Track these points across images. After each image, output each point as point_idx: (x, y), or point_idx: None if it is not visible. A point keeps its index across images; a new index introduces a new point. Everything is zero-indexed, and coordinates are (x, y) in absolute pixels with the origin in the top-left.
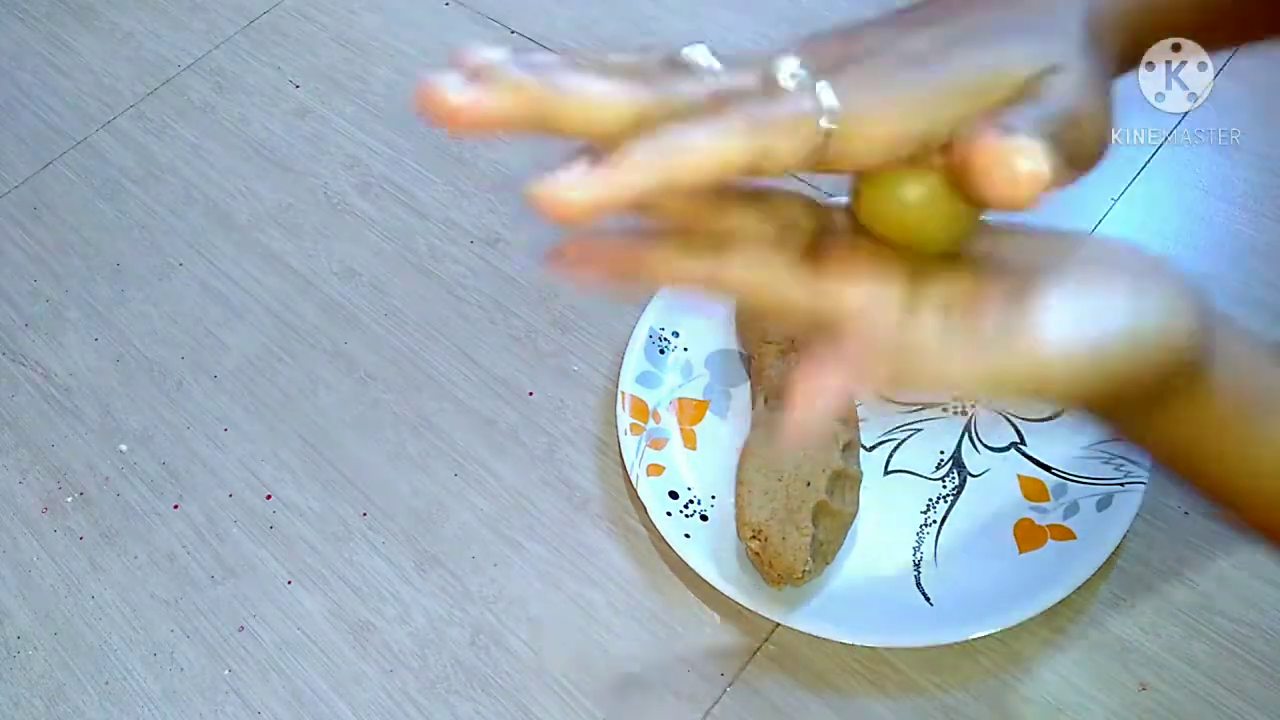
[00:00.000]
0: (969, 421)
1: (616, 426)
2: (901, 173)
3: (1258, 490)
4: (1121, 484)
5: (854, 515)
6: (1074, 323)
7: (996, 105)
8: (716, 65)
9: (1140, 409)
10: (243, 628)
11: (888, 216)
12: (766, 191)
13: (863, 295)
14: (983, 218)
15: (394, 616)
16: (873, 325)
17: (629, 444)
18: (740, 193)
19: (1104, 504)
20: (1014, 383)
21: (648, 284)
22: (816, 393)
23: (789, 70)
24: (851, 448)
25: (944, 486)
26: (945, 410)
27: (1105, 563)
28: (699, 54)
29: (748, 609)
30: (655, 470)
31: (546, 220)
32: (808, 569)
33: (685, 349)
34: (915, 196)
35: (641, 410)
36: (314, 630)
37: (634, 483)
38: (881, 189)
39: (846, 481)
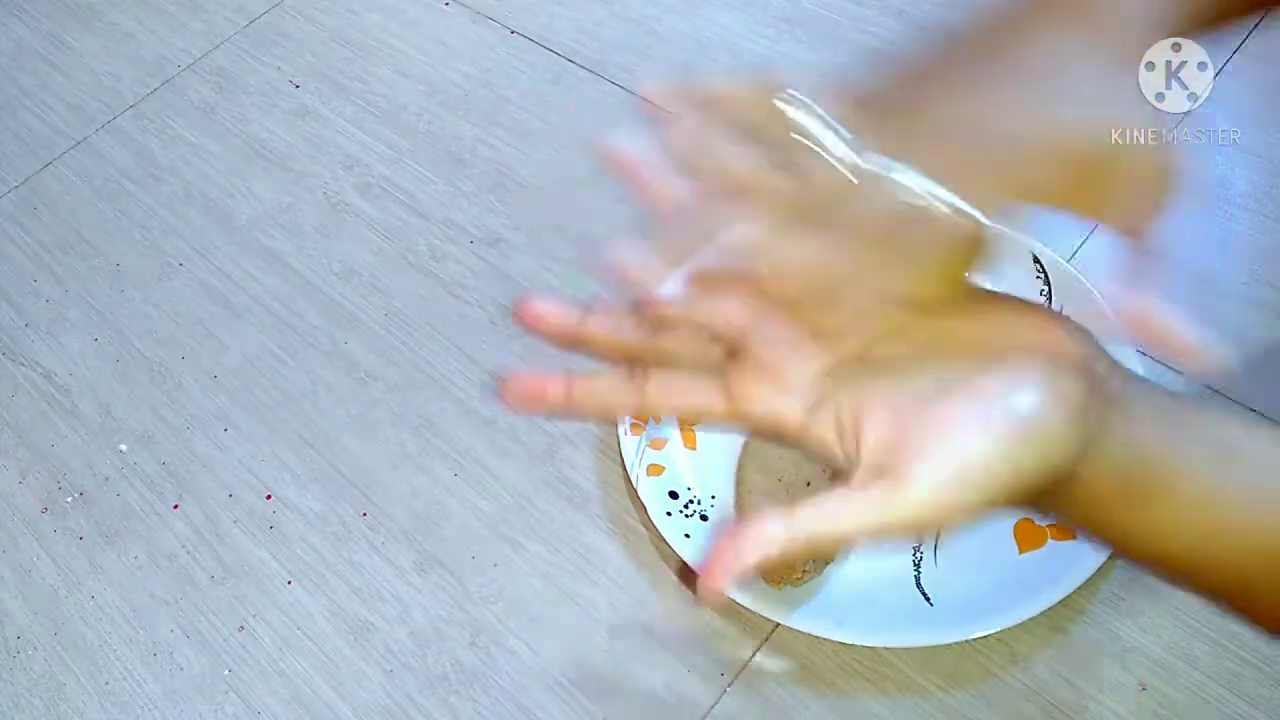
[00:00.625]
0: None
1: (616, 426)
2: None
3: (1154, 563)
4: None
5: None
6: (941, 479)
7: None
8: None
9: (1026, 505)
10: (243, 628)
11: None
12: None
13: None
14: None
15: (394, 616)
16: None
17: (629, 444)
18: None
19: None
20: (898, 530)
21: (584, 417)
22: (724, 567)
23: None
24: None
25: None
26: None
27: (1105, 563)
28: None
29: (748, 609)
30: (655, 470)
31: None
32: (808, 569)
33: None
34: None
35: None
36: (314, 630)
37: (634, 483)
38: None
39: None
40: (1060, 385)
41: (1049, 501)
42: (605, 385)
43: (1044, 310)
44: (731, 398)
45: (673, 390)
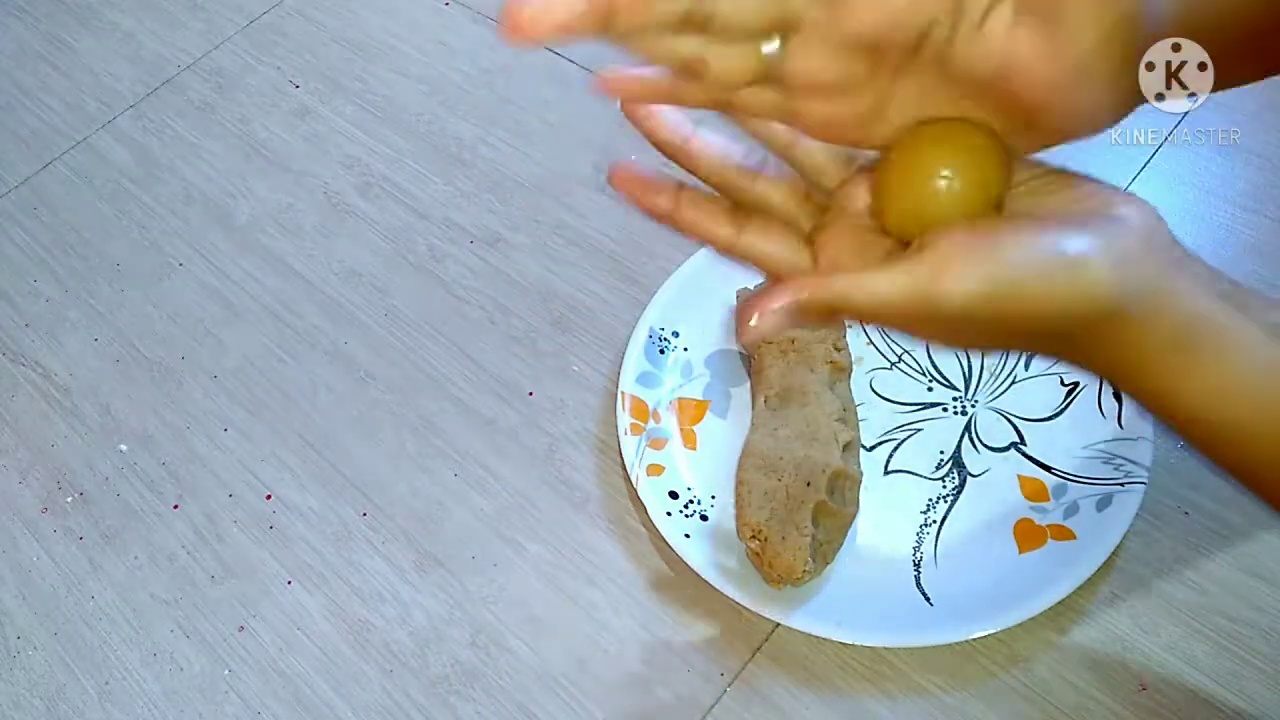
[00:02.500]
0: (969, 421)
1: (616, 426)
2: (914, 181)
3: (1192, 421)
4: (1121, 484)
5: (854, 515)
6: (985, 269)
7: None
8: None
9: (1065, 341)
10: (243, 628)
11: (906, 220)
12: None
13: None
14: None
15: (394, 616)
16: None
17: (629, 444)
18: (763, 173)
19: (1104, 504)
20: (920, 315)
21: (676, 222)
22: (766, 306)
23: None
24: (851, 448)
25: (944, 486)
26: (945, 410)
27: (1105, 563)
28: None
29: (748, 609)
30: (655, 470)
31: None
32: (808, 569)
33: (685, 349)
34: (932, 203)
35: (641, 410)
36: (314, 630)
37: (634, 483)
38: (899, 197)
39: (846, 481)
40: (1114, 237)
41: (1093, 339)
42: (708, 211)
43: (1121, 192)
44: (819, 262)
45: (770, 238)
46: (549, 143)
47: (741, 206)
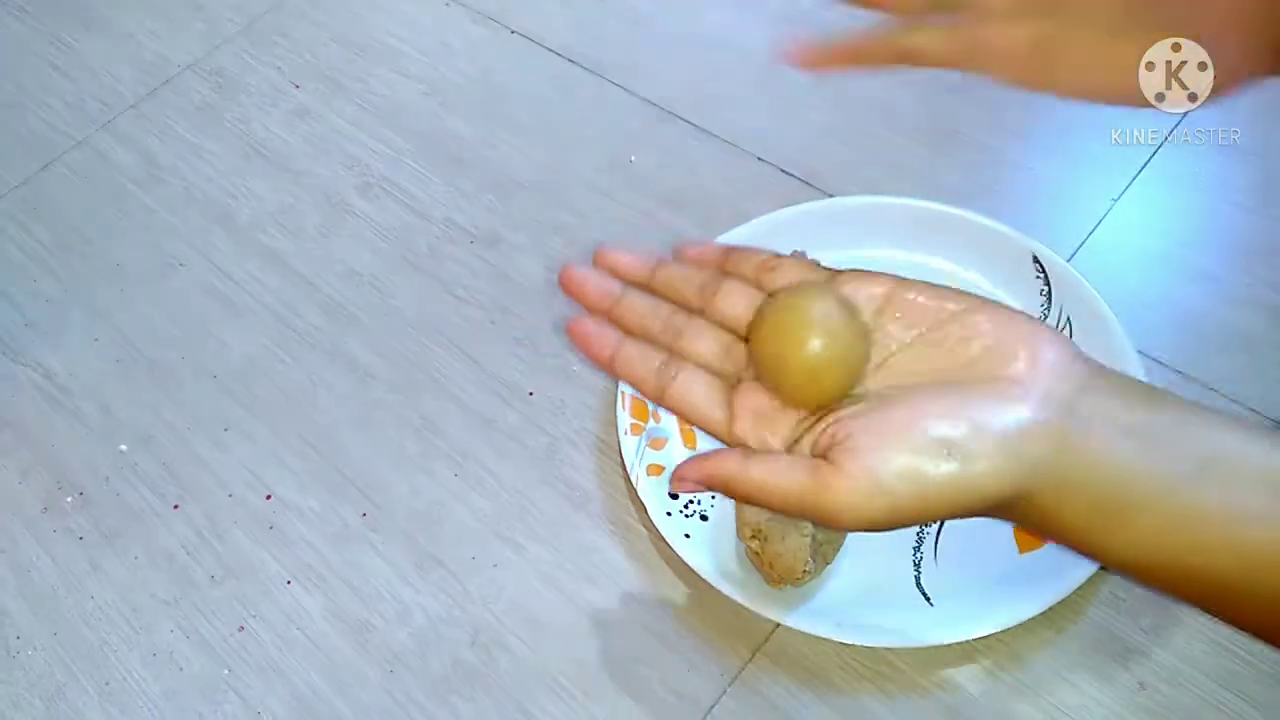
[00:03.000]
0: None
1: (616, 426)
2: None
3: (1131, 572)
4: None
5: None
6: (860, 486)
7: None
8: None
9: (977, 514)
10: (243, 628)
11: (782, 394)
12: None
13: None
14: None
15: (394, 616)
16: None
17: (629, 444)
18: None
19: None
20: (814, 517)
21: (613, 373)
22: (679, 478)
23: None
24: None
25: None
26: None
27: None
28: None
29: (748, 609)
30: (655, 470)
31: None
32: (808, 569)
33: None
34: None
35: (641, 410)
36: (314, 630)
37: (634, 483)
38: (770, 373)
39: None
40: (998, 418)
41: (1007, 515)
42: (640, 367)
43: (1024, 322)
44: (731, 415)
45: (694, 392)
46: (549, 143)
47: (674, 354)
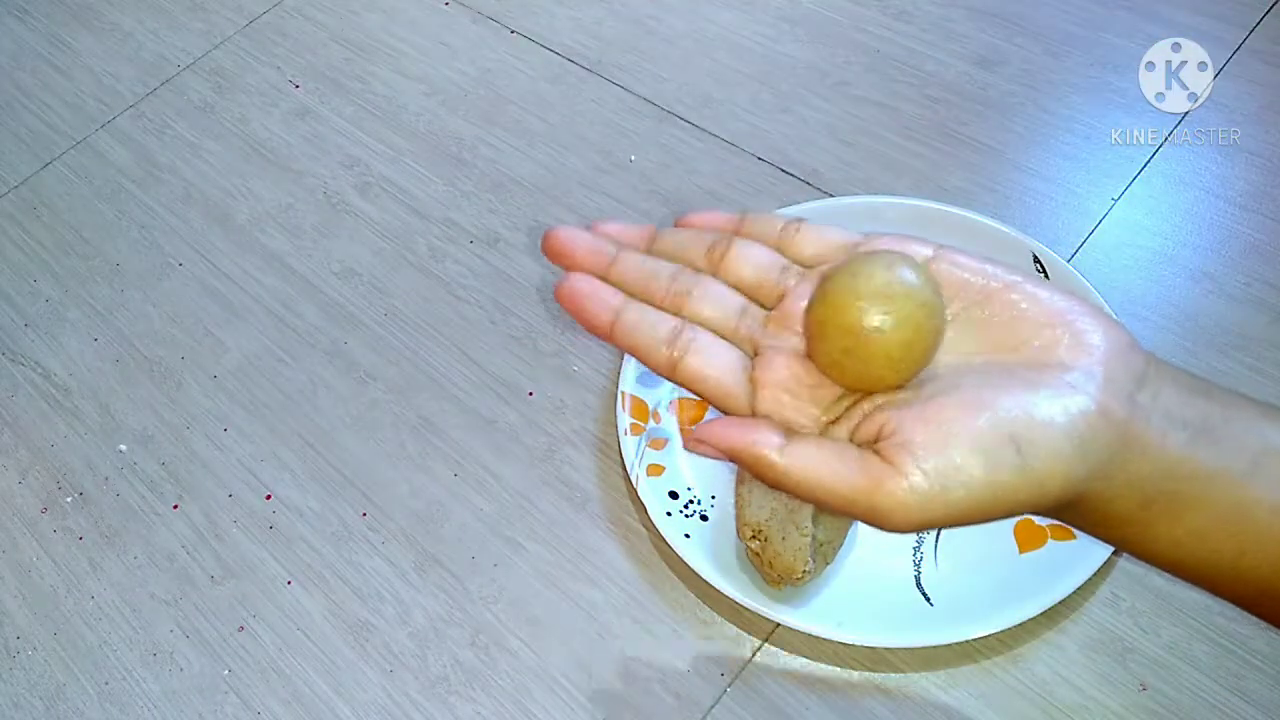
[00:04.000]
0: None
1: (616, 426)
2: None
3: (1178, 570)
4: None
5: None
6: (922, 487)
7: None
8: None
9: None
10: (243, 628)
11: (834, 371)
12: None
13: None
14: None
15: (394, 616)
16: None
17: (629, 444)
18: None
19: None
20: (865, 518)
21: (614, 342)
22: (702, 440)
23: None
24: None
25: None
26: None
27: (1105, 563)
28: None
29: (748, 609)
30: (655, 470)
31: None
32: (808, 569)
33: None
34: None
35: (641, 410)
36: (314, 630)
37: (634, 483)
38: (826, 343)
39: None
40: (1061, 408)
41: (1060, 515)
42: (647, 334)
43: (1077, 302)
44: (753, 389)
45: (710, 362)
46: (549, 143)
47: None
